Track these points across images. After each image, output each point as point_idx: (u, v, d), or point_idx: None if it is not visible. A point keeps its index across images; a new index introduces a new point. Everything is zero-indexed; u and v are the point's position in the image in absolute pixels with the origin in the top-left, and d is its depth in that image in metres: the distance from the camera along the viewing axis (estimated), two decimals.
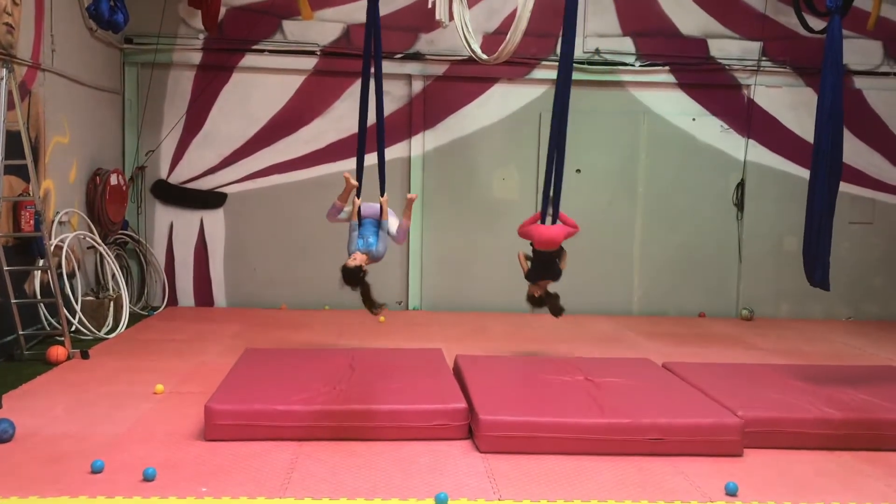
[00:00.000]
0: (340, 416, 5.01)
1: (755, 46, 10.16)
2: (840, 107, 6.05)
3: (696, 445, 4.90)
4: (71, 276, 7.93)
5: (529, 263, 7.28)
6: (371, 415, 5.03)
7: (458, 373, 6.06)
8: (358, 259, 6.31)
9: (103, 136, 9.24)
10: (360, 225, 6.54)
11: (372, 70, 6.64)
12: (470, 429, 5.09)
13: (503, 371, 6.05)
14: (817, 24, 8.95)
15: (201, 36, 9.71)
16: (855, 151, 10.22)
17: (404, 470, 4.54)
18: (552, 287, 7.27)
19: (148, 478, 4.25)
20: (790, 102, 10.23)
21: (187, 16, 9.70)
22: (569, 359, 6.61)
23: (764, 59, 10.18)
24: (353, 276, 6.24)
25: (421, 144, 10.04)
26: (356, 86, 9.58)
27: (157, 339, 7.95)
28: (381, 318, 9.24)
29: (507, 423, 4.88)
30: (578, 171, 10.22)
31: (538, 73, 10.06)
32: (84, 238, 8.43)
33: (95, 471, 4.33)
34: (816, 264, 6.10)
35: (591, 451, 4.84)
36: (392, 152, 10.03)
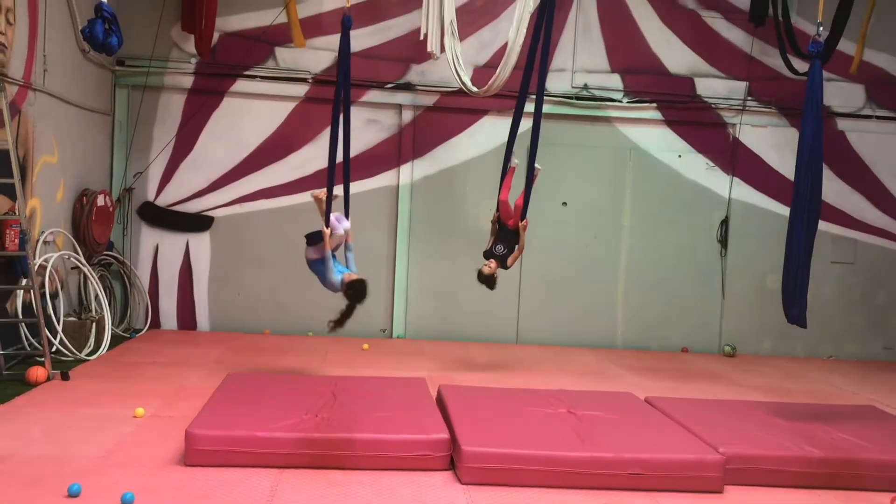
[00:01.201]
0: (322, 444, 4.99)
1: (741, 86, 10.33)
2: (820, 148, 6.15)
3: (676, 481, 4.91)
4: (54, 296, 7.87)
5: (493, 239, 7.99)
6: (352, 444, 5.01)
7: (441, 403, 6.05)
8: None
9: (92, 156, 9.24)
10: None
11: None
12: (452, 460, 5.07)
13: (486, 402, 6.04)
14: (801, 66, 9.16)
15: (193, 60, 9.76)
16: (837, 192, 10.38)
17: (385, 500, 4.52)
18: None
19: (126, 502, 4.20)
20: (775, 142, 10.38)
21: (180, 40, 9.76)
22: (552, 391, 6.60)
23: (749, 98, 10.34)
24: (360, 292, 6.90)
25: (410, 173, 10.10)
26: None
27: (139, 361, 7.89)
28: (365, 346, 9.23)
29: (490, 455, 4.87)
30: (565, 203, 10.30)
31: (527, 107, 10.04)
32: (68, 258, 8.38)
33: (72, 494, 4.28)
34: (794, 301, 6.16)
35: (573, 485, 4.84)
36: (380, 180, 10.12)
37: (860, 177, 10.51)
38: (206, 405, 5.55)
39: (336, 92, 7.07)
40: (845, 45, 9.37)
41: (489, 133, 10.18)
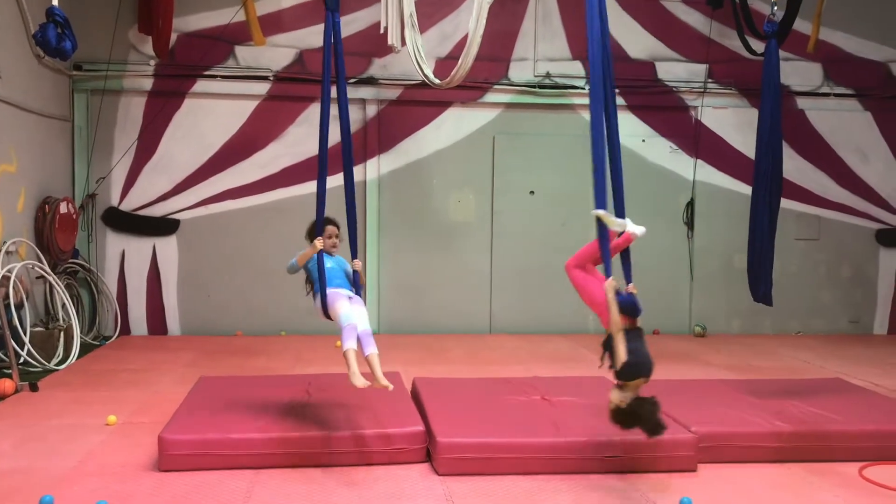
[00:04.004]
0: (297, 442, 4.97)
1: (701, 69, 10.43)
2: (779, 127, 6.22)
3: (651, 462, 4.96)
4: (19, 306, 7.76)
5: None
6: (328, 440, 5.00)
7: (415, 396, 6.06)
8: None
9: (52, 163, 9.10)
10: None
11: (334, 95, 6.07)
12: (428, 452, 5.08)
13: (461, 393, 6.06)
14: (759, 46, 9.27)
15: (152, 62, 9.65)
16: (799, 170, 10.53)
17: (362, 495, 4.52)
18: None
19: None
20: (736, 123, 10.50)
21: (137, 42, 9.64)
22: (526, 379, 6.64)
23: (710, 81, 10.45)
24: None
25: (376, 168, 10.07)
26: (310, 110, 9.65)
27: (110, 369, 7.80)
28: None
29: (465, 445, 4.89)
30: (532, 192, 10.34)
31: (491, 97, 10.19)
32: (32, 268, 8.26)
33: None
34: (760, 280, 6.26)
35: (549, 471, 4.88)
36: None
37: (821, 154, 10.67)
38: (178, 409, 5.51)
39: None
40: (802, 25, 9.48)
41: (454, 125, 10.20)
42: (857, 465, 5.08)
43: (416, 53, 8.15)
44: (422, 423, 5.21)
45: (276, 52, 9.84)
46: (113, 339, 9.45)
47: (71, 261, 9.24)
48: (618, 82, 10.25)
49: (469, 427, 5.14)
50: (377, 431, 5.08)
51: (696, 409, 5.62)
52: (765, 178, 6.18)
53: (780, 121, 6.20)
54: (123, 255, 9.80)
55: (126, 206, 9.78)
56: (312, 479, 4.74)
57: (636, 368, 4.58)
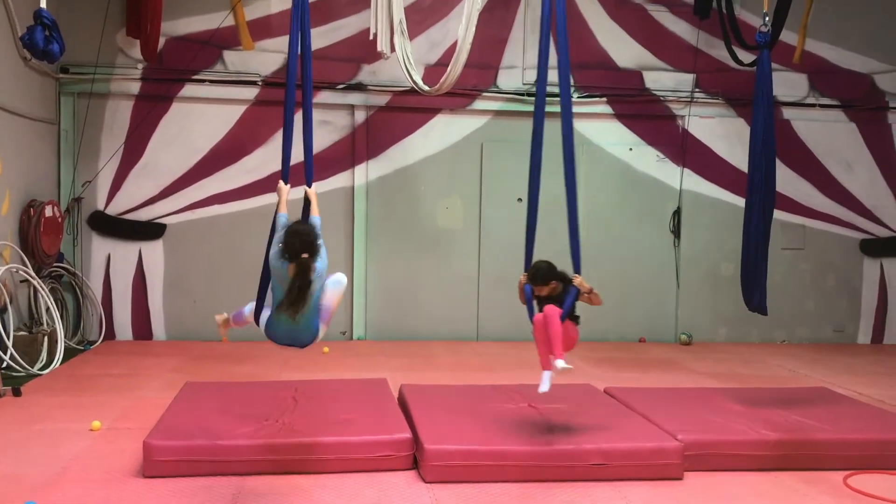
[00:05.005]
0: (284, 449, 4.95)
1: (688, 78, 10.49)
2: (772, 138, 6.27)
3: (637, 469, 4.97)
4: (2, 310, 7.69)
5: None
6: (315, 447, 4.98)
7: (402, 403, 6.04)
8: None
9: (38, 166, 9.04)
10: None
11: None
12: (415, 459, 5.07)
13: (448, 400, 6.05)
14: (746, 57, 9.34)
15: (140, 66, 9.61)
16: (785, 179, 10.57)
17: (349, 502, 4.50)
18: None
19: None
20: (723, 132, 10.57)
21: (125, 45, 9.60)
22: (513, 386, 6.64)
23: (697, 90, 10.50)
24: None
25: (364, 174, 10.06)
26: (298, 115, 9.58)
27: (94, 374, 7.75)
28: (325, 349, 9.18)
29: (452, 453, 4.89)
30: (520, 199, 10.35)
31: (479, 104, 10.21)
32: (17, 271, 8.20)
33: None
34: (754, 289, 6.29)
35: (536, 478, 4.88)
36: (335, 182, 10.07)
37: (806, 164, 10.74)
38: (164, 415, 5.47)
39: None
40: (787, 36, 9.57)
41: (443, 132, 10.20)
42: (842, 474, 5.11)
43: (405, 60, 8.17)
44: (409, 431, 5.20)
45: (265, 57, 9.82)
46: (97, 343, 9.37)
47: (56, 265, 9.17)
48: (606, 91, 10.40)
49: (456, 434, 5.14)
50: (364, 438, 5.06)
51: (683, 418, 5.63)
52: (758, 190, 6.22)
53: (774, 131, 6.25)
54: (109, 260, 9.74)
55: (112, 210, 9.72)
56: (299, 486, 4.72)
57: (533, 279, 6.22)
